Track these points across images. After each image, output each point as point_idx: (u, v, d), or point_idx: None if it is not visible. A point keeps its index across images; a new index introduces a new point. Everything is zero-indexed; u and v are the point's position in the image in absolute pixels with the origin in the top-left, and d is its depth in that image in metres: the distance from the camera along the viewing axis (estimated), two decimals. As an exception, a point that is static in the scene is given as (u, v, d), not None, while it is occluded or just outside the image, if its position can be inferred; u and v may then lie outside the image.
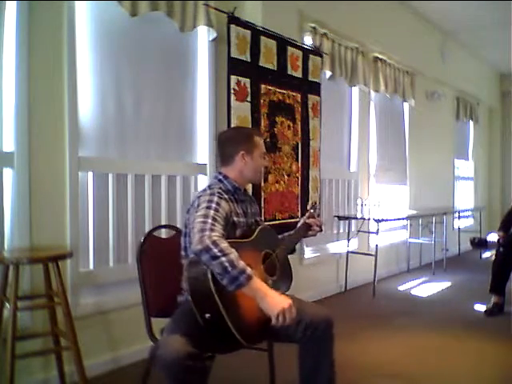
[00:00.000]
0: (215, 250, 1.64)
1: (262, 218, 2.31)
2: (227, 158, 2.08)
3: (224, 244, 1.67)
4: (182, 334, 1.69)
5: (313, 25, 4.32)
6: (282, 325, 1.67)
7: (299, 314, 1.88)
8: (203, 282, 1.70)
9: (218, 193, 1.93)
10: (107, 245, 2.96)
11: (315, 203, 2.42)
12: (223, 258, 1.63)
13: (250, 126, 3.53)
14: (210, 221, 1.75)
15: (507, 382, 2.86)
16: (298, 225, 2.29)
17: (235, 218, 1.98)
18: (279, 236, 2.26)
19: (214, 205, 1.84)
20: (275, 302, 1.67)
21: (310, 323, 1.90)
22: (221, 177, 2.08)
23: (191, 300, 1.74)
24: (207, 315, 1.70)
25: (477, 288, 4.90)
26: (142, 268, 2.13)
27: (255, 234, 2.01)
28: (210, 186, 2.03)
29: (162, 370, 1.66)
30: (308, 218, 2.27)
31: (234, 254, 1.66)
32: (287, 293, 1.99)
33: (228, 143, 2.11)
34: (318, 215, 2.36)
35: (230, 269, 1.62)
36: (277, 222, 3.75)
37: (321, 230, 2.30)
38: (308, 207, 2.38)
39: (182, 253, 2.01)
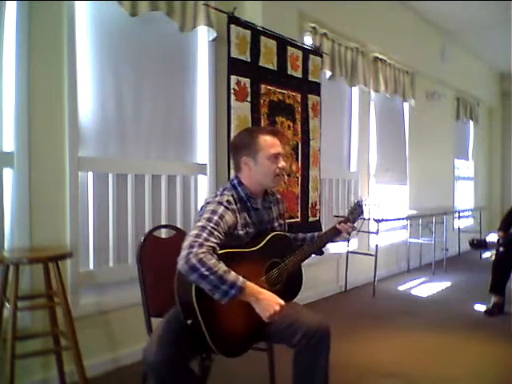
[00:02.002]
0: (202, 270, 1.60)
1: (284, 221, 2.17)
2: (235, 164, 2.02)
3: (211, 261, 1.63)
4: (169, 336, 1.69)
5: (313, 25, 4.32)
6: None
7: (296, 322, 1.86)
8: (187, 290, 1.70)
9: (227, 201, 1.86)
10: (107, 245, 2.96)
11: (359, 203, 2.13)
12: (212, 277, 1.61)
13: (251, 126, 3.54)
14: (204, 235, 1.69)
15: (507, 382, 2.86)
16: (329, 228, 2.14)
17: (240, 232, 1.89)
18: (311, 234, 2.20)
19: (215, 217, 1.77)
20: (266, 306, 1.69)
21: (306, 333, 1.82)
22: (235, 182, 1.98)
23: (178, 303, 1.75)
24: (189, 321, 1.72)
25: (477, 288, 4.90)
26: (142, 268, 2.13)
27: (263, 242, 1.93)
28: (222, 191, 1.94)
29: (150, 374, 1.67)
30: (339, 222, 2.08)
31: (222, 269, 1.63)
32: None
33: (234, 149, 2.04)
34: (361, 213, 2.12)
35: (219, 285, 1.61)
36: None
37: (349, 237, 2.15)
38: (349, 209, 2.14)
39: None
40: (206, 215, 1.77)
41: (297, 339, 1.83)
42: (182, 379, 1.66)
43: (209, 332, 1.69)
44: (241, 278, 1.66)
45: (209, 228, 1.72)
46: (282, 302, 1.70)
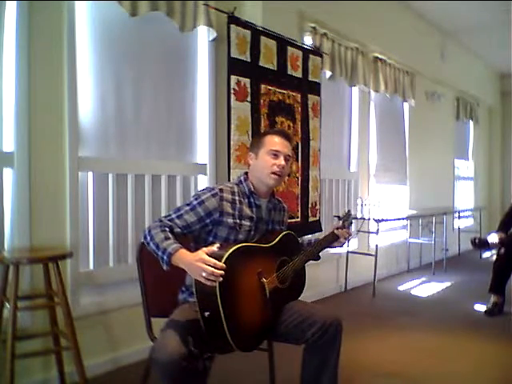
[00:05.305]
0: (148, 238, 1.79)
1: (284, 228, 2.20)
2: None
3: (154, 230, 1.79)
4: (178, 335, 1.68)
5: (313, 25, 4.32)
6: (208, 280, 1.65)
7: (311, 317, 1.91)
8: None
9: (220, 190, 1.92)
10: (107, 245, 2.96)
11: (349, 212, 2.19)
12: (151, 244, 1.78)
13: (250, 126, 3.54)
14: (173, 215, 1.87)
15: (507, 382, 2.86)
16: (326, 233, 2.17)
17: (229, 220, 1.91)
18: (308, 239, 2.25)
19: (195, 202, 1.89)
20: (193, 271, 1.68)
21: (323, 325, 1.88)
22: (242, 177, 2.04)
23: (195, 294, 1.75)
24: (207, 313, 1.72)
25: (477, 288, 4.90)
26: (142, 268, 2.13)
27: (276, 240, 1.99)
28: (225, 183, 2.05)
29: (159, 373, 1.65)
30: (337, 228, 2.12)
31: (159, 238, 1.76)
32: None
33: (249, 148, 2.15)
34: (351, 223, 2.21)
35: (157, 251, 1.76)
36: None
37: (345, 242, 2.16)
38: (341, 215, 2.19)
39: (192, 244, 1.99)
40: (190, 199, 1.93)
41: (311, 332, 1.88)
42: (193, 379, 1.67)
43: (227, 322, 1.70)
44: (173, 245, 1.74)
45: (181, 211, 1.88)
46: (203, 257, 1.67)
